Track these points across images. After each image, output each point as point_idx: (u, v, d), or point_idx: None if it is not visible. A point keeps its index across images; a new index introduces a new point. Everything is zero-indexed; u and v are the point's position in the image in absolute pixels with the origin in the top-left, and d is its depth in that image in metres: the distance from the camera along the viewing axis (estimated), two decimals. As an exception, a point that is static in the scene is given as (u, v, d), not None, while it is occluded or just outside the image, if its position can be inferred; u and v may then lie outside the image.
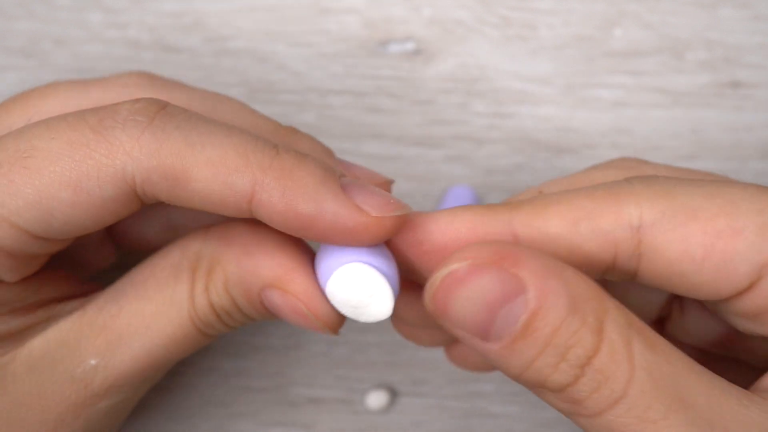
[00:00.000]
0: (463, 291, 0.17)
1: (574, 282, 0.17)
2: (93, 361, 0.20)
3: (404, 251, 0.20)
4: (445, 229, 0.19)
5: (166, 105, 0.19)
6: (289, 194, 0.18)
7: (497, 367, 0.18)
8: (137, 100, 0.19)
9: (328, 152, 0.23)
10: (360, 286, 0.19)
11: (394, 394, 0.29)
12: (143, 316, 0.21)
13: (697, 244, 0.18)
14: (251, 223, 0.21)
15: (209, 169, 0.18)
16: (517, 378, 0.18)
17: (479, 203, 0.25)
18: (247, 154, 0.19)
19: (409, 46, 0.30)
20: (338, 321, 0.20)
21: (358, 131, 0.30)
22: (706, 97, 0.30)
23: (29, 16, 0.30)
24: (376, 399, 0.29)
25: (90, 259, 0.24)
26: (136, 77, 0.22)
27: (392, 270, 0.19)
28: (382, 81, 0.30)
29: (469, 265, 0.17)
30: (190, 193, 0.19)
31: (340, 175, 0.19)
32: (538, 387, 0.18)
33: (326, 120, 0.30)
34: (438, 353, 0.29)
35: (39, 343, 0.21)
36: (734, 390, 0.17)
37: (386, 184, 0.23)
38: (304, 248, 0.21)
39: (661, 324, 0.24)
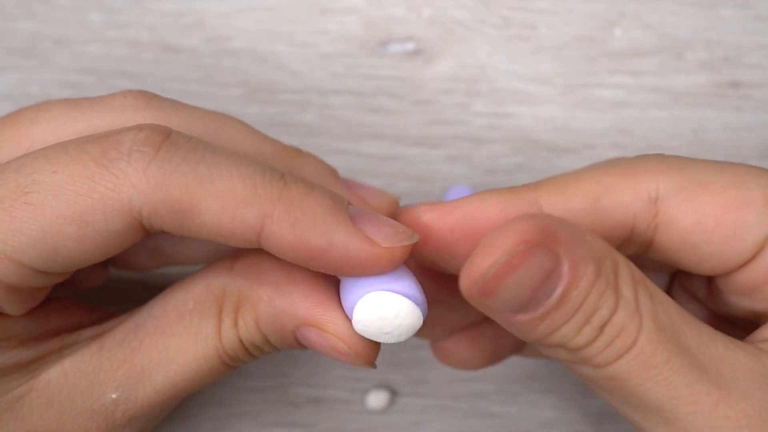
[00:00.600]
0: (515, 276, 0.17)
1: (595, 244, 0.18)
2: (114, 395, 0.20)
3: (434, 241, 0.20)
4: (477, 215, 0.20)
5: (170, 133, 0.19)
6: (299, 227, 0.18)
7: (516, 332, 0.18)
8: (140, 128, 0.19)
9: (333, 172, 0.23)
10: (385, 312, 0.19)
11: (394, 394, 0.29)
12: (166, 350, 0.20)
13: (709, 214, 0.19)
14: (277, 260, 0.21)
15: (218, 202, 0.18)
16: (536, 340, 0.18)
17: None
18: (255, 186, 0.18)
19: (409, 46, 0.30)
20: (375, 354, 0.21)
21: (358, 131, 0.30)
22: (706, 97, 0.30)
23: (29, 16, 0.30)
24: (376, 399, 0.29)
25: (82, 279, 0.24)
26: (132, 98, 0.22)
27: (414, 288, 0.19)
28: (382, 81, 0.30)
29: (523, 250, 0.17)
30: (198, 225, 0.18)
31: (347, 203, 0.19)
32: (554, 347, 0.18)
33: (326, 120, 0.30)
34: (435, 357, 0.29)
35: (56, 375, 0.20)
36: (720, 336, 0.19)
37: (394, 204, 0.23)
38: (333, 280, 0.21)
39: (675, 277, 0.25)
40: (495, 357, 0.25)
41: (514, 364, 0.29)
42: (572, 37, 0.30)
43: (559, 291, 0.17)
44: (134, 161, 0.18)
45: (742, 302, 0.20)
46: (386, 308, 0.19)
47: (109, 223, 0.18)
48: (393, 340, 0.20)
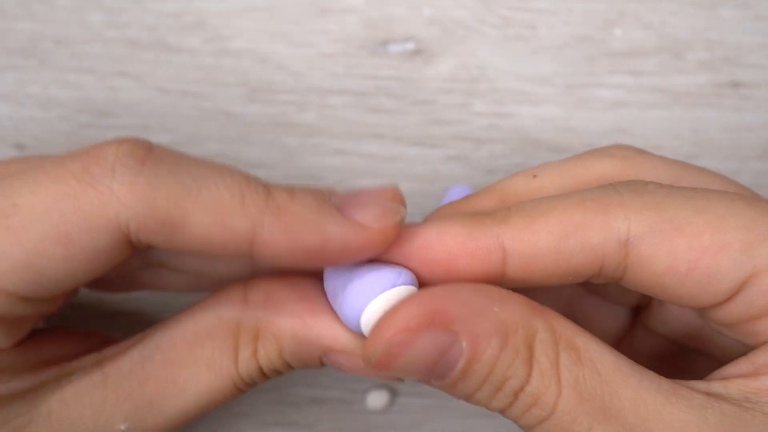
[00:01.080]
0: (404, 356, 0.18)
1: (505, 311, 0.18)
2: (123, 427, 0.20)
3: (394, 262, 0.20)
4: (435, 245, 0.19)
5: (152, 147, 0.19)
6: (292, 230, 0.18)
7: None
8: (120, 142, 0.18)
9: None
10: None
11: (394, 394, 0.29)
12: (176, 382, 0.20)
13: (682, 259, 0.18)
14: (292, 287, 0.21)
15: (207, 214, 0.18)
16: (464, 400, 0.19)
17: None
18: (242, 195, 0.18)
19: (409, 46, 0.30)
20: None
21: (358, 131, 0.30)
22: (706, 97, 0.30)
23: (29, 16, 0.30)
24: (376, 399, 0.29)
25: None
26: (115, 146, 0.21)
27: (406, 273, 0.19)
28: (382, 81, 0.30)
29: (406, 334, 0.17)
30: (188, 238, 0.18)
31: (329, 195, 0.19)
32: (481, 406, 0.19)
33: (326, 120, 0.29)
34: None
35: (57, 406, 0.20)
36: (664, 387, 0.18)
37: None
38: None
39: (638, 311, 0.25)
40: None
41: (514, 364, 0.29)
42: (572, 37, 0.30)
43: (460, 364, 0.17)
44: (119, 176, 0.18)
45: (723, 330, 0.20)
46: (396, 302, 0.19)
47: (96, 240, 0.18)
48: None
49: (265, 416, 0.29)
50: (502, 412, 0.18)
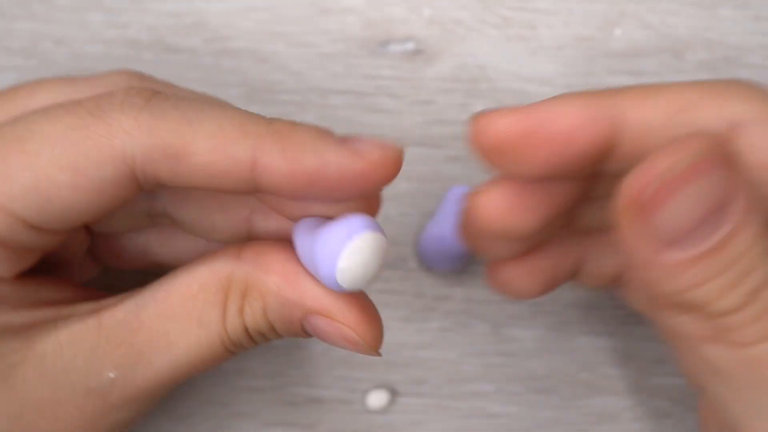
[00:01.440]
0: (687, 191, 0.15)
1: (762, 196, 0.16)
2: (111, 374, 0.20)
3: (509, 148, 0.19)
4: (557, 119, 0.19)
5: (159, 91, 0.20)
6: (291, 153, 0.19)
7: (649, 281, 0.16)
8: (131, 87, 0.20)
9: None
10: (369, 252, 0.19)
11: (394, 394, 0.29)
12: (167, 334, 0.20)
13: None
14: (285, 248, 0.21)
15: (209, 142, 0.19)
16: (669, 296, 0.16)
17: None
18: (243, 124, 0.19)
19: (409, 46, 0.30)
20: (380, 341, 0.21)
21: (358, 131, 0.30)
22: (706, 97, 0.30)
23: (29, 16, 0.30)
24: (376, 399, 0.29)
25: (73, 271, 0.24)
26: (126, 75, 0.23)
27: (374, 221, 0.20)
28: (382, 81, 0.30)
29: (697, 160, 0.15)
30: (191, 168, 0.19)
31: (331, 131, 0.20)
32: (690, 310, 0.16)
33: (326, 120, 0.29)
34: (438, 353, 0.29)
35: (51, 347, 0.20)
36: None
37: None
38: None
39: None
40: (551, 285, 0.24)
41: (514, 364, 0.29)
42: (572, 37, 0.30)
43: (724, 230, 0.15)
44: (126, 109, 0.19)
45: None
46: (369, 248, 0.19)
47: (102, 170, 0.19)
48: (369, 282, 0.20)
49: (265, 416, 0.29)
50: (724, 316, 0.15)
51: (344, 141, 0.19)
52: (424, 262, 0.28)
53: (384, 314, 0.22)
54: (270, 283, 0.20)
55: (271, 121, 0.19)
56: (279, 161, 0.19)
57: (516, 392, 0.29)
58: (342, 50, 0.30)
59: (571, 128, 0.19)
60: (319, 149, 0.19)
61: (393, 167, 0.19)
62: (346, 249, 0.19)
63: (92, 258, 0.25)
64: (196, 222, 0.23)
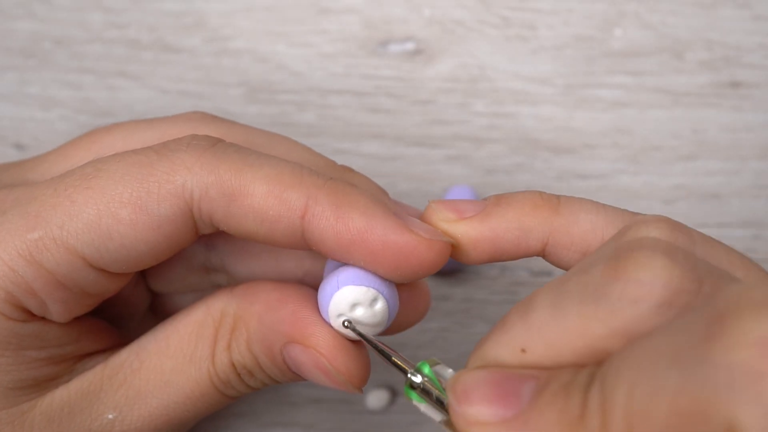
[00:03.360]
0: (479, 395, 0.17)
1: None
2: (110, 416, 0.20)
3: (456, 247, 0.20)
4: (497, 237, 0.20)
5: (225, 140, 0.20)
6: (342, 209, 0.19)
7: None
8: (197, 135, 0.20)
9: (383, 191, 0.23)
10: (359, 298, 0.19)
11: (394, 394, 0.29)
12: (162, 372, 0.20)
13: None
14: (276, 281, 0.21)
15: (265, 186, 0.19)
16: None
17: None
18: (302, 174, 0.19)
19: (409, 46, 0.30)
20: (361, 376, 0.20)
21: (358, 131, 0.30)
22: (706, 97, 0.30)
23: (29, 16, 0.30)
24: (376, 399, 0.29)
25: (131, 331, 0.24)
26: (199, 115, 0.23)
27: (386, 285, 0.20)
28: (382, 81, 0.30)
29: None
30: (245, 210, 0.19)
31: (390, 202, 0.20)
32: None
33: (326, 120, 0.30)
34: (438, 353, 0.29)
35: (60, 394, 0.20)
36: None
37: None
38: None
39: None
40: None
41: (514, 364, 0.29)
42: (572, 37, 0.30)
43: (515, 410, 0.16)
44: (191, 150, 0.19)
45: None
46: (360, 296, 0.19)
47: (161, 206, 0.19)
48: (368, 331, 0.20)
49: (265, 416, 0.29)
50: None
51: (397, 214, 0.19)
52: (424, 262, 0.28)
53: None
54: (252, 310, 0.20)
55: (331, 178, 0.19)
56: (328, 214, 0.19)
57: (516, 392, 0.29)
58: (342, 50, 0.30)
59: (507, 244, 0.20)
60: (370, 212, 0.19)
61: (437, 253, 0.19)
62: (333, 298, 0.20)
63: (155, 317, 0.25)
64: (251, 278, 0.23)
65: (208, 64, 0.30)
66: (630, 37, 0.30)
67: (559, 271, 0.23)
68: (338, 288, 0.20)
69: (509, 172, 0.29)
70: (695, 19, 0.30)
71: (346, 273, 0.20)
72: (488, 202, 0.20)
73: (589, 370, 0.16)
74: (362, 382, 0.20)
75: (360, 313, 0.20)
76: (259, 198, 0.19)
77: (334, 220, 0.19)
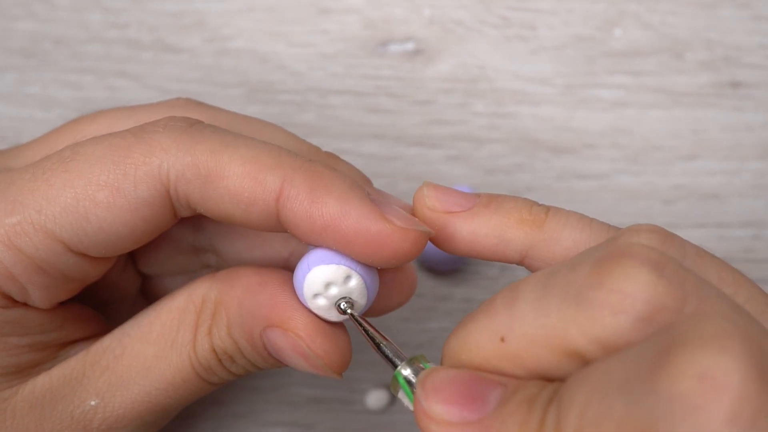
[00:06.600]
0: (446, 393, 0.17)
1: None
2: (93, 402, 0.20)
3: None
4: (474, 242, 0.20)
5: (203, 121, 0.20)
6: (317, 192, 0.18)
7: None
8: (175, 116, 0.20)
9: (366, 179, 0.23)
10: (333, 277, 0.19)
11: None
12: (144, 358, 0.20)
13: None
14: (256, 267, 0.21)
15: (241, 166, 0.19)
16: None
17: None
18: (279, 156, 0.19)
19: (409, 46, 0.30)
20: (340, 361, 0.20)
21: (358, 131, 0.30)
22: (706, 97, 0.30)
23: (29, 16, 0.30)
24: (376, 399, 0.29)
25: (122, 315, 0.24)
26: (183, 102, 0.23)
27: (363, 268, 0.20)
28: (382, 81, 0.30)
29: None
30: (221, 191, 0.19)
31: (369, 187, 0.20)
32: None
33: (326, 120, 0.30)
34: (438, 353, 0.29)
35: (42, 380, 0.20)
36: None
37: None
38: None
39: None
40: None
41: (514, 364, 0.29)
42: (572, 37, 0.30)
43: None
44: (168, 131, 0.19)
45: None
46: (331, 275, 0.19)
47: (138, 188, 0.19)
48: (343, 316, 0.20)
49: (265, 416, 0.29)
50: None
51: (375, 201, 0.19)
52: (424, 262, 0.28)
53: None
54: (232, 293, 0.20)
55: (310, 160, 0.19)
56: (303, 197, 0.18)
57: (516, 392, 0.29)
58: (342, 50, 0.30)
59: (484, 249, 0.19)
60: (345, 198, 0.18)
61: (413, 243, 0.19)
62: (306, 279, 0.19)
63: (146, 300, 0.24)
64: (238, 258, 0.23)
65: (208, 64, 0.30)
66: (630, 37, 0.30)
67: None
68: (309, 269, 0.19)
69: (509, 172, 0.29)
70: (695, 19, 0.30)
71: (316, 253, 0.19)
72: (479, 201, 0.20)
73: (554, 386, 0.16)
74: (342, 367, 0.20)
75: (335, 292, 0.19)
76: (235, 179, 0.19)
77: (308, 204, 0.18)
